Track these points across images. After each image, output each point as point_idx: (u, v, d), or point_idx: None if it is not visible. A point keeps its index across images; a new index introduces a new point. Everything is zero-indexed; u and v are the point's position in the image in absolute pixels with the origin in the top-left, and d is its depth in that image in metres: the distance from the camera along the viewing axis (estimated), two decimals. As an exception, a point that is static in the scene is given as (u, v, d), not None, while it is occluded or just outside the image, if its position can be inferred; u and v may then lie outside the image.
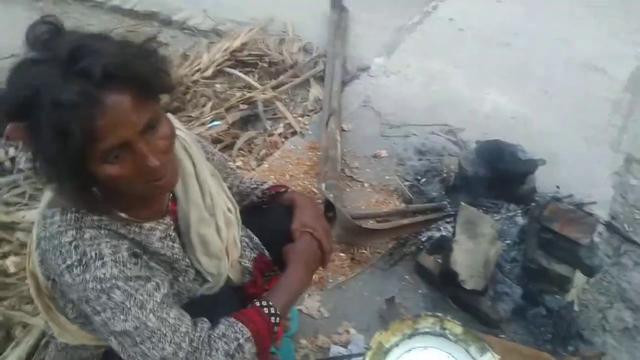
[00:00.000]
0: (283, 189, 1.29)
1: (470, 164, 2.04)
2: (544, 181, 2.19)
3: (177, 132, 1.02)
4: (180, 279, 0.99)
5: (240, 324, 0.90)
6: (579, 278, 1.78)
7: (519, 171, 2.00)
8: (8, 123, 0.75)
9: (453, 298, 1.73)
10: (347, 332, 1.64)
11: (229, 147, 2.43)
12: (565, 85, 2.91)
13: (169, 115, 0.98)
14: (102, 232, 0.84)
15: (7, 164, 2.21)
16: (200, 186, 1.03)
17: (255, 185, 1.30)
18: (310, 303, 1.72)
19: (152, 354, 0.81)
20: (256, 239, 1.23)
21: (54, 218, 0.83)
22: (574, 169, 2.35)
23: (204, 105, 2.68)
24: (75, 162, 0.72)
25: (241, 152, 2.42)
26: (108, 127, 0.71)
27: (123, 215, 0.88)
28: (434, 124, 2.58)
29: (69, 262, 0.80)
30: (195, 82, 2.80)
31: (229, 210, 1.12)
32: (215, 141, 2.42)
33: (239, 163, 2.34)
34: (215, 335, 0.87)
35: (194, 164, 1.02)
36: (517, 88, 2.89)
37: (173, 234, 0.98)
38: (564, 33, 3.34)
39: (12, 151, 2.23)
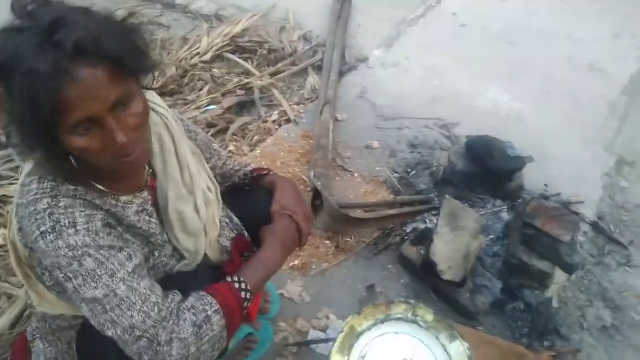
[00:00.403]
0: (265, 172, 1.31)
1: (460, 159, 2.06)
2: (534, 178, 2.20)
3: (158, 108, 1.04)
4: (157, 253, 1.01)
5: (209, 297, 0.92)
6: (560, 275, 1.79)
7: (507, 167, 2.01)
8: None
9: (433, 289, 1.75)
10: (327, 317, 1.67)
11: (222, 132, 2.45)
12: (565, 84, 2.90)
13: (150, 92, 1.00)
14: (77, 201, 0.85)
15: (2, 138, 2.23)
16: (179, 163, 1.04)
17: (238, 167, 1.31)
18: (292, 288, 1.74)
19: (121, 321, 0.83)
20: (236, 220, 1.25)
21: (31, 186, 0.85)
22: (565, 167, 2.35)
23: (200, 89, 2.69)
24: (45, 130, 0.74)
25: (234, 137, 2.43)
26: (76, 99, 0.73)
27: (99, 186, 0.90)
28: (428, 117, 2.59)
29: (42, 228, 0.82)
30: (193, 65, 2.82)
31: (208, 189, 1.13)
32: (210, 125, 2.44)
33: (232, 148, 2.35)
34: (184, 306, 0.89)
35: (173, 141, 1.04)
36: (516, 85, 2.88)
37: (150, 208, 1.00)
38: (567, 31, 3.33)
39: (8, 126, 2.25)
